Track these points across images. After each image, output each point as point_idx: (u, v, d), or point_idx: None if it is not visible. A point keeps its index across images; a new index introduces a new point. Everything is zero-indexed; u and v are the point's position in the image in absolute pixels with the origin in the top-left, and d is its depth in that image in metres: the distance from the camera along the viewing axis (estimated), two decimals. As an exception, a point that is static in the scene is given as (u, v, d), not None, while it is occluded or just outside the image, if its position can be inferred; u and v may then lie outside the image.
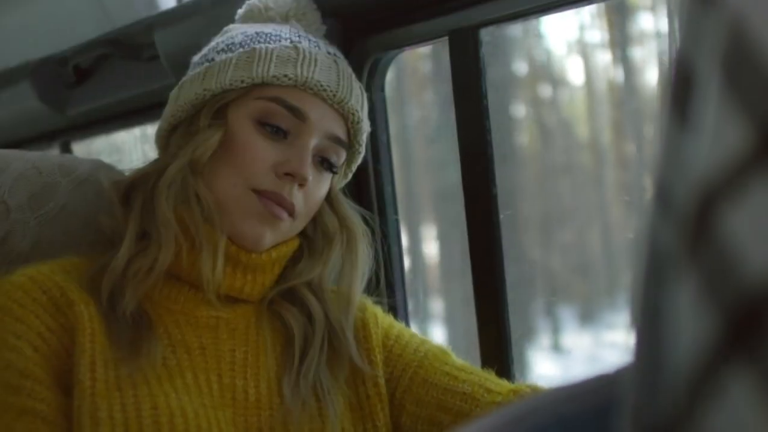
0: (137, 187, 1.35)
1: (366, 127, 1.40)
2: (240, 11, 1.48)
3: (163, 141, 1.40)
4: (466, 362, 1.39)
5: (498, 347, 1.50)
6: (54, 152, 2.15)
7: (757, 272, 0.32)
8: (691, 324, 0.34)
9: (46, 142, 2.51)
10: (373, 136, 1.62)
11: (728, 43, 0.35)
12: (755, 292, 0.32)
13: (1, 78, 2.41)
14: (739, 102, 0.34)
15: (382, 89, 1.66)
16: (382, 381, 1.37)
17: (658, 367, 0.37)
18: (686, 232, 0.35)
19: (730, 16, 0.35)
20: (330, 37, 1.45)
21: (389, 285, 1.62)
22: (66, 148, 2.52)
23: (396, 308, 1.62)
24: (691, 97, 0.37)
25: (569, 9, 1.43)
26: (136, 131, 2.48)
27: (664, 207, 0.38)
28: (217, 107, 1.33)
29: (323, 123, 1.34)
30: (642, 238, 0.40)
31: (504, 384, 1.34)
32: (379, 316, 1.43)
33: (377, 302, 1.47)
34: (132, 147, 2.64)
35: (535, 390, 1.31)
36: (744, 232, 0.33)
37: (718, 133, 0.35)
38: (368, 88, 1.61)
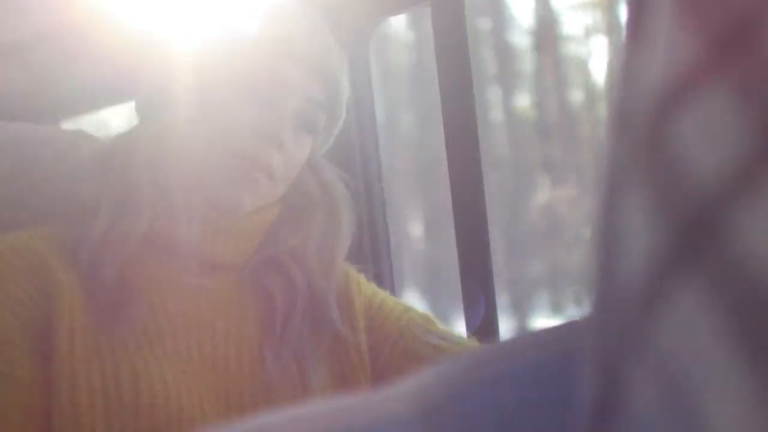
0: (114, 155, 1.34)
1: (345, 89, 1.38)
2: None
3: (143, 108, 1.39)
4: (449, 331, 1.38)
5: (485, 317, 1.49)
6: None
7: (706, 180, 0.32)
8: (643, 236, 0.34)
9: (33, 121, 2.51)
10: (358, 101, 1.61)
11: None
12: (704, 199, 0.32)
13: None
14: (690, 13, 0.34)
15: (367, 56, 1.65)
16: (364, 348, 1.36)
17: (610, 289, 0.37)
18: (639, 143, 0.35)
19: None
20: (313, 4, 1.44)
21: (374, 253, 1.61)
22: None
23: (381, 276, 1.61)
24: (645, 11, 0.37)
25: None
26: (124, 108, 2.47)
27: (620, 123, 0.37)
28: (194, 71, 1.32)
29: (301, 85, 1.32)
30: (601, 159, 0.40)
31: None
32: (362, 283, 1.42)
33: (361, 270, 1.46)
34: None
35: None
36: (694, 140, 0.33)
37: (670, 46, 0.34)
38: (353, 56, 1.60)
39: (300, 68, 1.32)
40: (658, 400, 0.33)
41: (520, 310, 8.74)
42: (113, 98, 2.33)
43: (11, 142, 1.44)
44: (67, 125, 2.60)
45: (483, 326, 1.48)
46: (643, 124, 0.35)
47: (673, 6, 0.35)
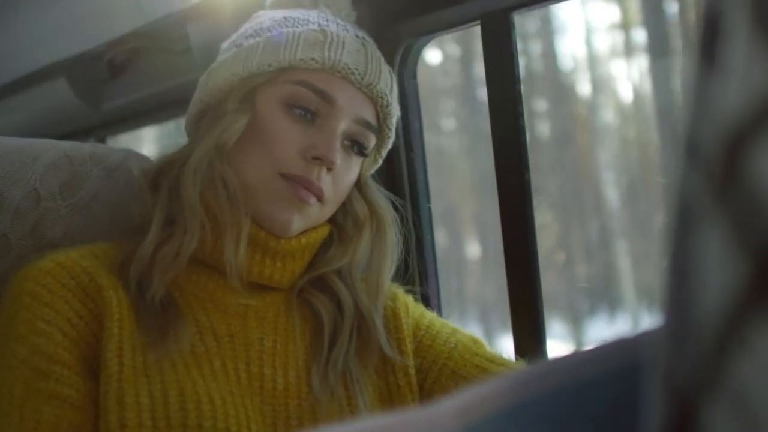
0: (165, 173, 1.35)
1: (395, 111, 1.39)
2: None
3: (192, 128, 1.40)
4: (497, 353, 1.37)
5: (531, 337, 1.48)
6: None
7: None
8: (719, 272, 0.33)
9: (81, 138, 2.53)
10: (405, 123, 1.61)
11: None
12: None
13: (38, 75, 2.43)
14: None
15: (414, 76, 1.64)
16: (412, 371, 1.35)
17: (686, 322, 0.36)
18: (714, 177, 0.34)
19: None
20: (360, 23, 1.44)
21: (421, 274, 1.60)
22: (100, 143, 2.54)
23: (428, 297, 1.61)
24: (719, 40, 0.37)
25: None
26: (170, 124, 2.49)
27: (693, 154, 0.37)
28: (245, 92, 1.33)
29: (351, 106, 1.32)
30: (671, 189, 0.39)
31: None
32: (410, 305, 1.42)
33: (409, 291, 1.46)
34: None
35: None
36: None
37: (747, 75, 0.34)
38: (400, 75, 1.60)
39: (351, 90, 1.32)
40: None
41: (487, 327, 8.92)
42: (162, 115, 2.35)
43: (62, 160, 1.45)
44: (114, 141, 2.62)
45: (532, 349, 1.47)
46: (717, 153, 0.34)
47: (752, 31, 0.34)
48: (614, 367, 0.54)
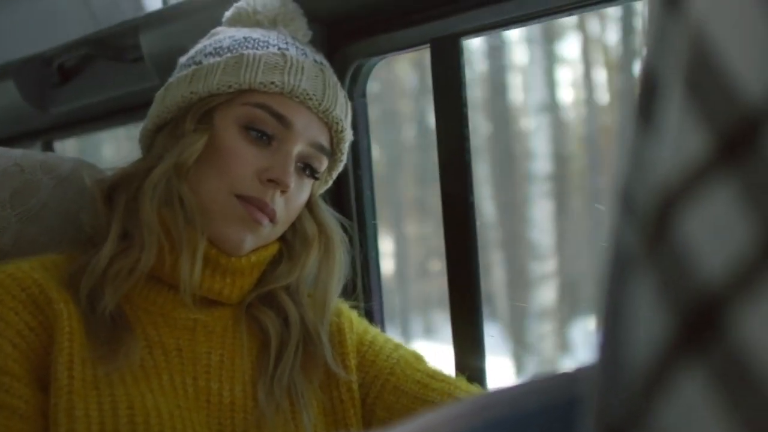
0: (121, 187, 1.36)
1: (349, 136, 1.41)
2: (227, 14, 1.49)
3: (148, 141, 1.41)
4: (438, 369, 1.41)
5: (472, 353, 1.51)
6: (36, 150, 2.15)
7: (710, 275, 0.33)
8: (648, 323, 0.36)
9: (28, 141, 2.52)
10: (354, 142, 1.63)
11: (690, 50, 0.36)
12: (708, 293, 0.33)
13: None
14: (700, 109, 0.35)
15: (364, 95, 1.67)
16: (355, 386, 1.38)
17: (617, 366, 0.38)
18: (646, 233, 0.37)
19: (692, 25, 0.36)
20: (314, 42, 1.46)
21: (366, 290, 1.63)
22: (48, 147, 2.52)
23: (372, 313, 1.63)
24: (655, 103, 0.38)
25: (550, 19, 1.44)
26: (120, 131, 2.48)
27: (628, 209, 0.39)
28: (203, 111, 1.34)
29: (307, 131, 1.35)
30: (608, 240, 0.41)
31: (474, 392, 1.36)
32: (355, 321, 1.45)
33: (354, 307, 1.49)
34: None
35: None
36: (699, 236, 0.34)
37: (680, 139, 0.36)
38: (350, 94, 1.62)
39: (307, 115, 1.35)
40: None
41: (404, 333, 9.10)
42: (110, 122, 2.34)
43: (12, 168, 1.45)
44: (60, 146, 2.60)
45: (472, 364, 1.50)
46: (649, 211, 0.37)
47: (684, 99, 0.36)
48: (553, 400, 0.56)
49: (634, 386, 0.36)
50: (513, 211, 9.61)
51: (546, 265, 8.99)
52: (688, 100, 0.36)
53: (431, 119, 1.53)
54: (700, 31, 0.35)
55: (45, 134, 2.51)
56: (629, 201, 0.39)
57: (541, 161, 8.98)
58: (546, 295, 8.95)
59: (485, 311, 1.51)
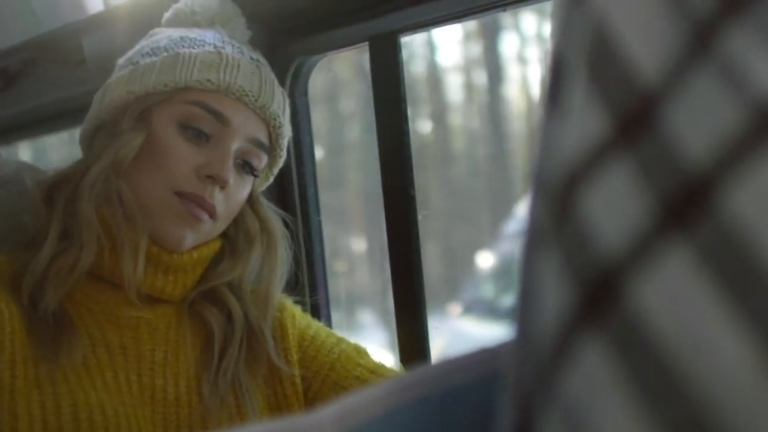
0: (60, 187, 1.36)
1: (287, 131, 1.43)
2: (166, 15, 1.50)
3: (87, 142, 1.41)
4: (380, 363, 1.42)
5: (416, 345, 1.52)
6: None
7: (607, 248, 0.35)
8: (554, 295, 0.37)
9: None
10: (296, 140, 1.64)
11: (592, 38, 0.37)
12: (605, 265, 0.35)
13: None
14: (600, 92, 0.37)
15: (305, 93, 1.68)
16: (298, 380, 1.40)
17: (528, 338, 0.40)
18: (553, 210, 0.38)
19: (594, 14, 0.37)
20: (254, 42, 1.47)
21: (312, 285, 1.64)
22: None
23: (318, 307, 1.64)
24: (562, 87, 0.40)
25: (487, 14, 1.46)
26: (64, 135, 2.48)
27: (539, 187, 0.40)
28: (140, 110, 1.35)
29: (245, 127, 1.36)
30: (526, 215, 0.43)
31: None
32: (297, 316, 1.46)
33: (298, 302, 1.50)
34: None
35: None
36: (598, 211, 0.36)
37: (582, 121, 0.37)
38: (291, 93, 1.63)
39: (245, 111, 1.36)
40: None
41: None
42: (56, 125, 2.33)
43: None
44: (4, 149, 2.59)
45: (415, 357, 1.51)
46: (555, 189, 0.38)
47: (586, 83, 0.38)
48: (478, 376, 0.58)
49: (543, 358, 0.37)
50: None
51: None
52: (589, 84, 0.37)
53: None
54: (601, 19, 0.37)
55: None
56: (540, 180, 0.40)
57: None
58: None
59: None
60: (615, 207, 0.35)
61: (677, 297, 0.33)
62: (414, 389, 0.58)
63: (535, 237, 0.40)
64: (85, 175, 1.33)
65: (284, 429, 0.61)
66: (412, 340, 1.53)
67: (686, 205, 0.33)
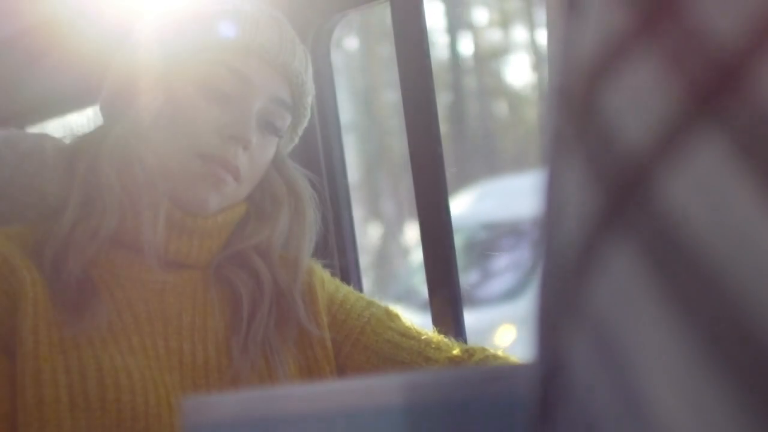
0: (81, 154, 1.34)
1: (310, 89, 1.40)
2: None
3: (107, 108, 1.40)
4: (411, 326, 1.40)
5: (448, 308, 1.50)
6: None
7: (633, 145, 0.33)
8: (577, 203, 0.35)
9: (-1, 127, 2.50)
10: (320, 101, 1.62)
11: None
12: (631, 164, 0.33)
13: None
14: None
15: (328, 54, 1.66)
16: (329, 344, 1.37)
17: (551, 255, 0.38)
18: (574, 113, 0.37)
19: None
20: (274, 3, 1.45)
21: (339, 248, 1.62)
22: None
23: (347, 271, 1.62)
24: None
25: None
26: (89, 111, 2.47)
27: (558, 94, 0.39)
28: (159, 72, 1.33)
29: (267, 86, 1.33)
30: (545, 128, 0.41)
31: (445, 350, 1.35)
32: (326, 280, 1.43)
33: (327, 265, 1.48)
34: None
35: (474, 354, 1.32)
36: (622, 108, 0.34)
37: (600, 17, 0.36)
38: (314, 54, 1.61)
39: (266, 69, 1.33)
40: (597, 357, 0.34)
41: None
42: (79, 102, 2.33)
43: (-26, 145, 1.44)
44: (33, 130, 2.59)
45: (448, 321, 1.49)
46: (577, 93, 0.36)
47: None
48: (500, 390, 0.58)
49: (568, 271, 0.36)
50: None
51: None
52: None
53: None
54: None
55: (15, 120, 2.49)
56: (560, 87, 0.39)
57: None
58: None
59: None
60: (639, 101, 0.34)
61: (711, 190, 0.31)
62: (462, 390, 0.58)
63: (556, 147, 0.38)
64: (105, 140, 1.32)
65: (351, 389, 0.61)
66: (444, 301, 1.51)
67: (718, 90, 0.31)
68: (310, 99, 1.41)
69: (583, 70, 0.36)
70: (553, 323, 0.37)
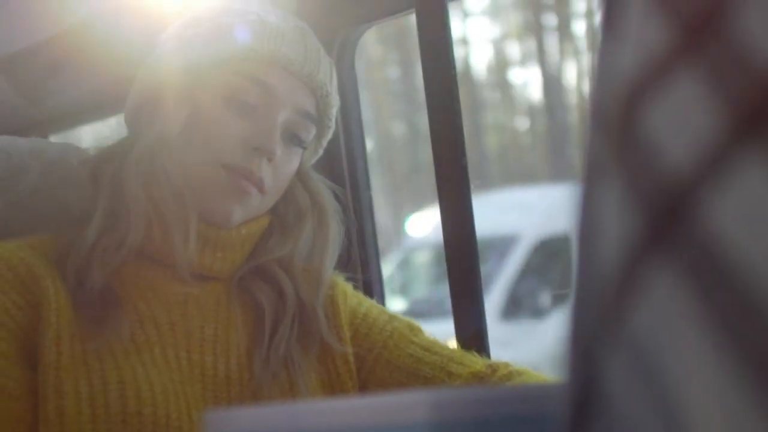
0: (106, 165, 1.34)
1: (335, 101, 1.39)
2: None
3: (132, 120, 1.39)
4: (434, 340, 1.39)
5: (472, 323, 1.49)
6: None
7: (676, 166, 0.33)
8: (618, 225, 0.35)
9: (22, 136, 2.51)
10: (345, 113, 1.61)
11: None
12: (674, 185, 0.33)
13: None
14: (661, 4, 0.35)
15: (353, 65, 1.66)
16: (351, 358, 1.36)
17: (589, 277, 0.37)
18: (614, 134, 0.36)
19: None
20: (299, 13, 1.45)
21: (362, 262, 1.61)
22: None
23: (370, 284, 1.62)
24: (618, 11, 0.38)
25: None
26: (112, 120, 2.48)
27: (597, 116, 0.38)
28: (183, 84, 1.32)
29: (291, 97, 1.33)
30: (582, 153, 0.41)
31: (468, 365, 1.34)
32: (349, 293, 1.42)
33: (350, 278, 1.47)
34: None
35: (498, 370, 1.32)
36: (664, 128, 0.34)
37: (640, 37, 0.35)
38: (339, 65, 1.60)
39: (290, 81, 1.33)
40: (636, 383, 0.33)
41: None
42: (102, 111, 2.34)
43: (-1, 154, 1.44)
44: (57, 139, 2.60)
45: (471, 335, 1.48)
46: (616, 114, 0.36)
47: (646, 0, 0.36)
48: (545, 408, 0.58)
49: (606, 295, 0.35)
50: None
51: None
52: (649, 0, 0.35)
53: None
54: None
55: (39, 128, 2.50)
56: (598, 107, 0.38)
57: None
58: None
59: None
60: (681, 121, 0.33)
61: (757, 213, 0.30)
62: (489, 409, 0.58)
63: (594, 168, 0.38)
64: (130, 152, 1.31)
65: (374, 405, 0.60)
66: (467, 315, 1.50)
67: (763, 110, 0.30)
68: (334, 110, 1.40)
69: (623, 91, 0.36)
70: (588, 346, 0.37)
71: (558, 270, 8.19)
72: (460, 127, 1.47)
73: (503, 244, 7.98)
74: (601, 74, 0.39)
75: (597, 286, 0.36)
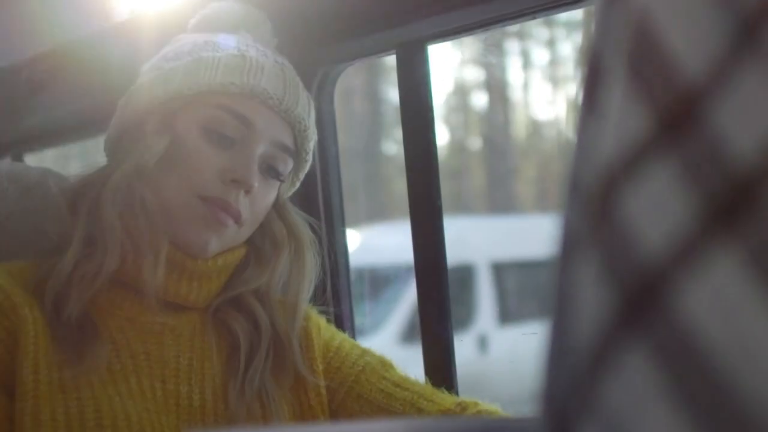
0: (84, 193, 1.35)
1: (313, 135, 1.41)
2: (192, 21, 1.49)
3: (111, 148, 1.40)
4: (405, 377, 1.40)
5: (441, 360, 1.51)
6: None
7: (650, 251, 0.34)
8: (592, 302, 0.36)
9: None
10: (322, 148, 1.63)
11: (633, 34, 0.36)
12: (649, 269, 0.34)
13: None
14: (641, 90, 0.36)
15: (332, 102, 1.67)
16: (323, 390, 1.38)
17: (564, 349, 0.38)
18: (591, 213, 0.37)
19: (635, 10, 0.36)
20: (281, 49, 1.46)
21: (335, 295, 1.62)
22: (18, 159, 2.51)
23: (342, 318, 1.63)
24: (599, 87, 0.39)
25: (516, 22, 1.45)
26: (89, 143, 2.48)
27: (575, 191, 0.39)
28: (164, 115, 1.34)
29: (270, 130, 1.35)
30: (557, 225, 0.42)
31: (438, 402, 1.35)
32: (322, 326, 1.44)
33: (323, 312, 1.48)
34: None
35: (467, 408, 1.33)
36: (640, 213, 0.35)
37: (622, 120, 0.36)
38: (318, 100, 1.62)
39: (269, 114, 1.35)
40: None
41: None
42: (78, 134, 2.34)
43: (-23, 177, 1.44)
44: (31, 158, 2.59)
45: (439, 371, 1.49)
46: (593, 193, 0.37)
47: (626, 82, 0.37)
48: None
49: (580, 368, 0.36)
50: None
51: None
52: (630, 82, 0.36)
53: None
54: (642, 15, 0.36)
55: (15, 147, 2.50)
56: (576, 185, 0.39)
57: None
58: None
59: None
60: (658, 208, 0.34)
61: (727, 302, 0.31)
62: None
63: (570, 243, 0.39)
64: (109, 180, 1.32)
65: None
66: (437, 353, 1.51)
67: (734, 205, 0.32)
68: (312, 144, 1.42)
69: (601, 171, 0.37)
70: (562, 418, 0.38)
71: (457, 296, 8.18)
72: (436, 167, 1.50)
73: (407, 270, 7.99)
74: (580, 150, 0.40)
75: (571, 357, 0.37)
